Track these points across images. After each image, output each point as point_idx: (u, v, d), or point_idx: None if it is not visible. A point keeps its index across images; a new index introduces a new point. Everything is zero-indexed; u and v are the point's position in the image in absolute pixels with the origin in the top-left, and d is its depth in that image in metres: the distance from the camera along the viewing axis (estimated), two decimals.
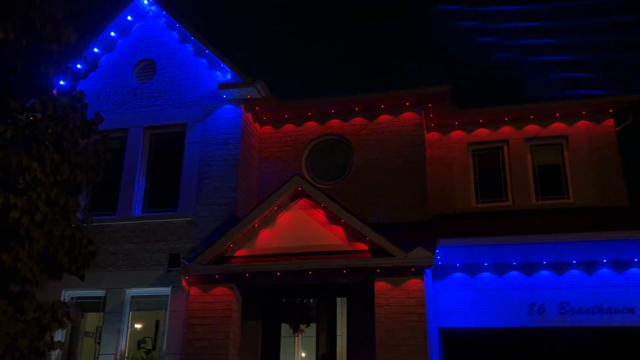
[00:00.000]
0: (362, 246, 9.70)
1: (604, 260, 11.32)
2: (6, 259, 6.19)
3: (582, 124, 12.82)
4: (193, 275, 10.04)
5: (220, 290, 9.93)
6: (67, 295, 11.85)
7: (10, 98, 7.11)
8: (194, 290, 10.06)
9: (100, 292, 11.72)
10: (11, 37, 7.01)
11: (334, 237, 9.91)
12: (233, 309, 9.85)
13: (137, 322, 12.40)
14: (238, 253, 10.15)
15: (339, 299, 10.78)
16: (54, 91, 7.98)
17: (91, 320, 12.20)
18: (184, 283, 10.17)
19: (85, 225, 8.08)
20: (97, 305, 11.82)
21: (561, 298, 11.26)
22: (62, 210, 7.14)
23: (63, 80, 7.87)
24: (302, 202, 10.22)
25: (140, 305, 11.73)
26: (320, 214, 10.09)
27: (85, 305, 11.98)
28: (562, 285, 11.38)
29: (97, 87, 13.37)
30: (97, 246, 7.98)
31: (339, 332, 10.68)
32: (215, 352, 9.62)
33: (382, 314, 9.18)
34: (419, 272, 9.22)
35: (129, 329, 11.58)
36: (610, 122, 12.70)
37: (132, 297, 11.68)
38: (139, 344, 12.47)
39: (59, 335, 11.60)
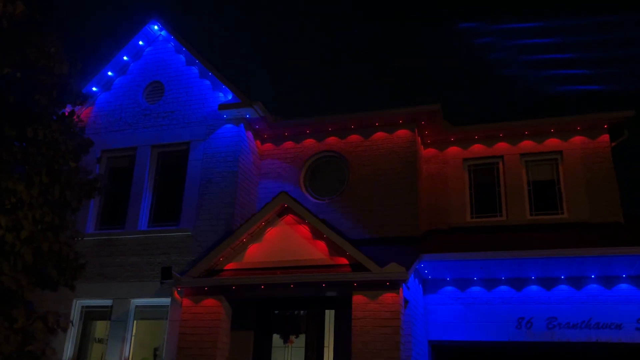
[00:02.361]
0: (343, 260, 10.10)
1: (593, 276, 11.37)
2: None
3: (577, 139, 12.89)
4: (185, 287, 10.65)
5: (209, 302, 10.50)
6: (78, 304, 12.67)
7: (5, 126, 7.87)
8: (186, 302, 10.67)
9: (107, 302, 12.48)
10: (5, 72, 7.78)
11: (317, 251, 10.36)
12: (221, 319, 10.40)
13: (153, 330, 13.03)
14: (228, 266, 10.71)
15: (327, 312, 11.16)
16: (52, 117, 8.74)
17: (100, 328, 12.96)
18: (176, 294, 10.79)
19: (77, 239, 8.79)
20: (105, 313, 12.57)
21: (549, 313, 11.39)
22: (49, 227, 7.85)
23: (57, 108, 8.59)
24: (289, 218, 10.72)
25: (144, 315, 12.41)
26: (305, 230, 10.56)
27: (94, 314, 12.79)
28: (550, 300, 11.50)
29: (111, 108, 14.27)
30: (86, 260, 8.68)
31: (326, 343, 11.06)
32: None
33: (359, 326, 9.54)
34: (394, 286, 9.54)
35: (133, 337, 12.26)
36: (605, 137, 12.72)
37: (137, 306, 12.39)
38: (155, 351, 13.14)
39: (70, 342, 12.42)
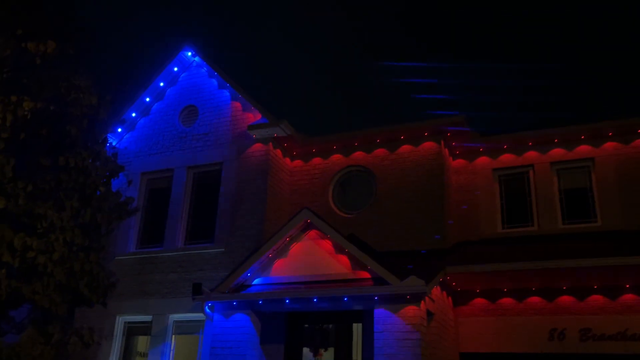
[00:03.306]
0: (365, 274, 10.26)
1: (628, 286, 11.06)
2: (25, 291, 7.50)
3: (609, 145, 12.60)
4: (215, 302, 11.05)
5: (238, 316, 10.85)
6: (121, 320, 13.31)
7: (40, 156, 8.52)
8: (217, 316, 11.06)
9: (148, 318, 13.06)
10: (39, 106, 8.45)
11: (340, 266, 10.56)
12: (250, 333, 10.73)
13: (195, 344, 13.52)
14: (255, 281, 11.06)
15: (355, 325, 11.32)
16: (83, 146, 9.35)
17: (142, 342, 13.55)
18: (207, 309, 11.20)
19: (110, 259, 9.34)
20: (146, 329, 13.15)
21: (582, 324, 11.13)
22: (81, 249, 8.42)
23: (87, 137, 9.21)
24: (312, 233, 10.98)
25: (182, 329, 12.91)
26: (328, 244, 10.79)
27: (136, 329, 13.41)
28: (583, 311, 11.24)
29: (149, 132, 14.99)
30: (117, 279, 9.20)
31: (354, 356, 11.21)
32: None
33: (381, 339, 9.64)
34: (415, 299, 9.60)
35: (172, 351, 12.76)
36: (639, 142, 12.39)
37: (175, 321, 12.90)
38: None
39: (114, 356, 13.04)
